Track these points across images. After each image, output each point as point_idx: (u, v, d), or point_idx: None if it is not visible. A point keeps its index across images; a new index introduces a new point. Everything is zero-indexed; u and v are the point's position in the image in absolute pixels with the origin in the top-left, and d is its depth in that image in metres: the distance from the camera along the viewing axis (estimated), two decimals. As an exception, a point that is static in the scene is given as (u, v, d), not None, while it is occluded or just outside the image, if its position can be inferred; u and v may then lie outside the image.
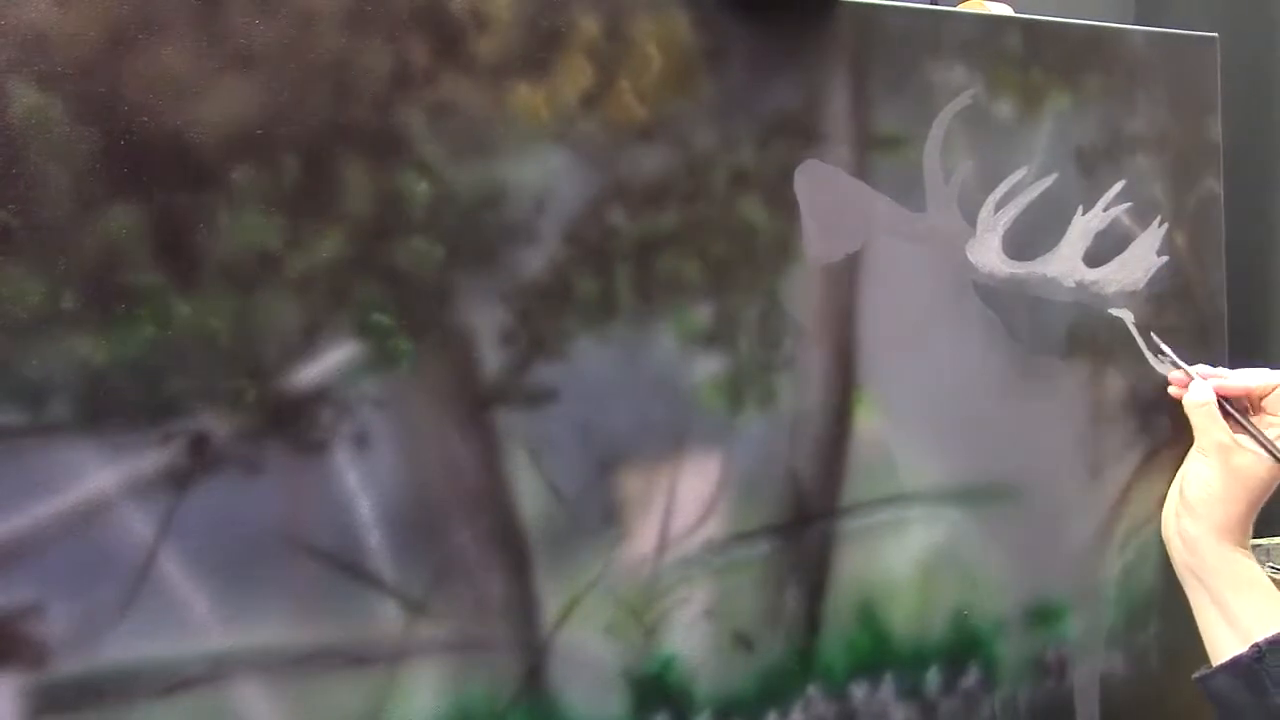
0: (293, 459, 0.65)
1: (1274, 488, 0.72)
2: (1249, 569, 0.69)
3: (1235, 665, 0.66)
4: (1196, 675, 0.69)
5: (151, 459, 0.62)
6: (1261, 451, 0.70)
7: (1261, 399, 0.74)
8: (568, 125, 0.72)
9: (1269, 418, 0.73)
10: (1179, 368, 0.77)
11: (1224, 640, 0.67)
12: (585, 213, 0.72)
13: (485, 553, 0.71)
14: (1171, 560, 0.71)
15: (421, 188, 0.68)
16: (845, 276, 0.82)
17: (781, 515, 0.80)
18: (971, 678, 0.88)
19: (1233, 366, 0.98)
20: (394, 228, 0.67)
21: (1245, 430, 0.72)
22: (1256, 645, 0.65)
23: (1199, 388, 0.73)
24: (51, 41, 0.59)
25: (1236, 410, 0.74)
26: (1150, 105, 0.94)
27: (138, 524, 0.62)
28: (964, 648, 0.88)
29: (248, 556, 0.64)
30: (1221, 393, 0.73)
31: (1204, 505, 0.70)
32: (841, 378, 0.82)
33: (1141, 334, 0.86)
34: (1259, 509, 0.72)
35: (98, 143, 0.60)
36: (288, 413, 0.65)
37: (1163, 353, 0.81)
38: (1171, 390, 0.77)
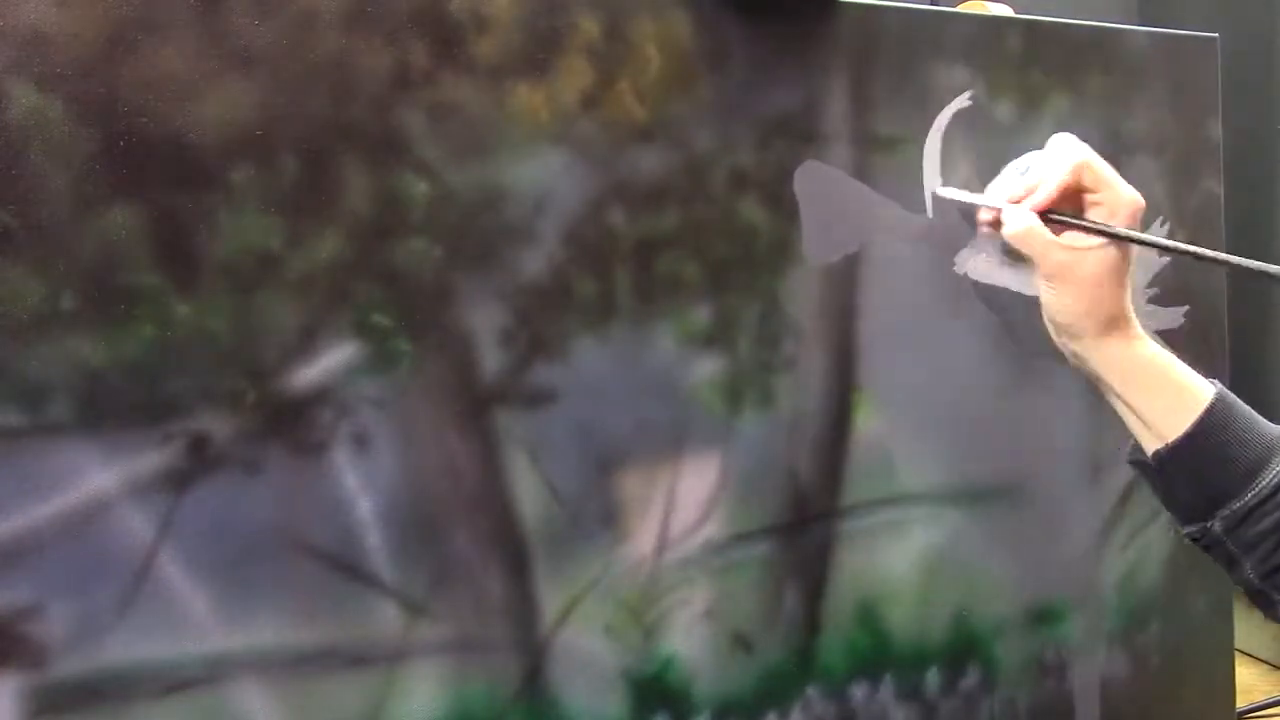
0: (292, 459, 0.65)
1: (1131, 259, 0.66)
2: (1143, 357, 0.65)
3: (1145, 468, 0.65)
4: (1127, 457, 0.67)
5: (151, 459, 0.62)
6: (1100, 240, 0.64)
7: (1076, 188, 0.67)
8: (567, 126, 0.72)
9: (1089, 196, 0.65)
10: (980, 205, 0.69)
11: (1146, 440, 0.66)
12: (585, 213, 0.72)
13: (485, 553, 0.71)
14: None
15: (421, 188, 0.68)
16: (845, 277, 0.82)
17: (781, 515, 0.80)
18: (971, 679, 0.88)
19: (1233, 366, 0.99)
20: (394, 228, 0.67)
21: (1076, 228, 0.65)
22: (1157, 453, 0.64)
23: (1015, 215, 0.64)
24: (51, 42, 0.59)
25: (1056, 213, 0.66)
26: (1150, 106, 0.94)
27: (138, 524, 0.62)
28: (964, 648, 0.88)
29: (247, 557, 0.64)
30: (1042, 208, 0.66)
31: (1078, 322, 0.65)
32: (841, 378, 0.82)
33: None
34: (1130, 281, 0.67)
35: (97, 143, 0.60)
36: (287, 413, 0.65)
37: (960, 200, 0.73)
38: (983, 230, 0.70)
